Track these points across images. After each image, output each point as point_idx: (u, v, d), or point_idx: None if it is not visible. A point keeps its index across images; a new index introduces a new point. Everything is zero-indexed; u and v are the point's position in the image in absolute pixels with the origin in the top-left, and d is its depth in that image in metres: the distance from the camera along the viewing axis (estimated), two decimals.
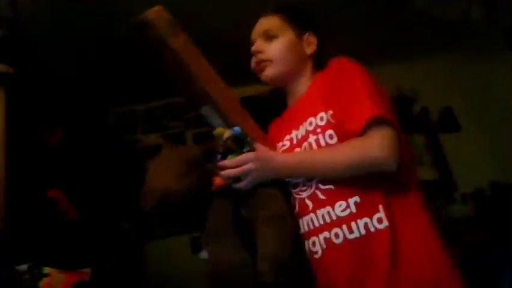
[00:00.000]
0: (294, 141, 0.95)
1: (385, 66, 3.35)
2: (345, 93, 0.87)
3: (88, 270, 1.36)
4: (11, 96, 1.43)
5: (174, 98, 3.30)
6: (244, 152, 0.83)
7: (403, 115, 3.34)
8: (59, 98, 2.11)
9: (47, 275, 1.25)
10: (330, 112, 0.89)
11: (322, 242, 0.84)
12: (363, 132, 0.81)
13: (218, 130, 0.84)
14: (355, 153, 0.81)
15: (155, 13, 0.88)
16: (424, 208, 0.86)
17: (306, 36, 1.03)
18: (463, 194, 3.07)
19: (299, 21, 1.04)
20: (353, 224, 0.81)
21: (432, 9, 2.33)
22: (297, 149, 0.93)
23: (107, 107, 3.21)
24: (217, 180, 0.85)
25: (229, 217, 0.84)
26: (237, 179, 0.82)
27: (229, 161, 0.82)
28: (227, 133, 0.83)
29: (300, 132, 0.94)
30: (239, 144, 0.83)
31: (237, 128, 0.85)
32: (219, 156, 0.84)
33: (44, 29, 2.01)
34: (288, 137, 0.97)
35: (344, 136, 0.84)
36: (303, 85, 1.01)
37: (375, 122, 0.80)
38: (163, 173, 0.85)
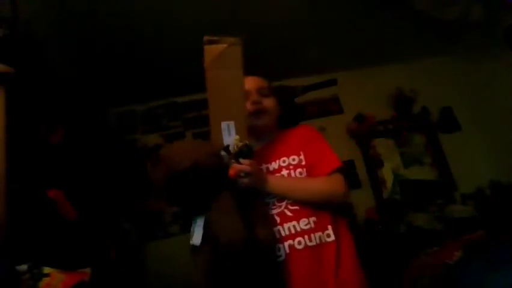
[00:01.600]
0: (269, 170, 1.24)
1: (385, 66, 3.37)
2: (316, 148, 1.26)
3: (88, 270, 1.36)
4: (11, 96, 1.43)
5: (174, 98, 3.31)
6: (251, 158, 1.08)
7: (403, 115, 3.34)
8: (59, 98, 2.11)
9: (47, 275, 1.25)
10: (301, 157, 1.24)
11: (286, 248, 1.12)
12: (329, 174, 1.19)
13: (238, 137, 1.09)
14: (327, 186, 1.19)
15: (225, 42, 1.10)
16: (348, 229, 1.23)
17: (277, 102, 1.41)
18: (462, 194, 3.08)
19: (274, 91, 1.40)
20: (312, 235, 1.13)
21: (432, 9, 2.33)
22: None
23: (107, 107, 3.21)
24: (232, 171, 1.05)
25: (236, 201, 1.04)
26: (245, 175, 1.06)
27: (247, 160, 1.08)
28: (243, 142, 1.09)
29: (273, 166, 1.25)
30: (250, 152, 1.09)
31: (250, 143, 1.11)
32: (234, 155, 1.08)
33: (44, 29, 2.01)
34: (264, 165, 1.25)
35: (311, 175, 1.21)
36: (272, 134, 1.35)
37: (337, 170, 1.20)
38: (195, 149, 1.05)
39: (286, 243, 1.12)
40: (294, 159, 1.24)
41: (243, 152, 1.07)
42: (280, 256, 1.12)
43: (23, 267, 1.23)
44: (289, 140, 1.32)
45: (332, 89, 3.49)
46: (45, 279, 1.24)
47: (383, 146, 3.29)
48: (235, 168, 1.05)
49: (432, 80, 3.35)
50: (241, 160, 1.07)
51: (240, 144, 1.08)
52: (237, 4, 2.28)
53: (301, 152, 1.25)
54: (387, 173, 3.21)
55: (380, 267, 2.61)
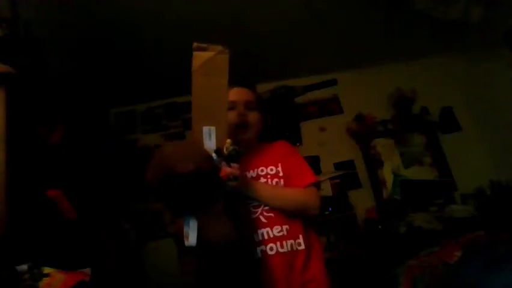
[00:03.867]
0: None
1: (385, 66, 3.37)
2: (294, 162, 1.34)
3: (88, 270, 1.36)
4: (11, 96, 1.43)
5: (174, 98, 3.31)
6: (239, 163, 1.14)
7: (403, 115, 3.34)
8: (59, 98, 2.11)
9: (47, 275, 1.25)
10: (279, 168, 1.30)
11: (258, 253, 1.17)
12: (306, 187, 1.27)
13: (229, 141, 1.13)
14: (304, 197, 1.26)
15: (213, 49, 1.13)
16: (318, 239, 1.32)
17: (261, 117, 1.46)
18: (462, 194, 3.08)
19: (261, 105, 1.46)
20: (284, 242, 1.19)
21: (432, 9, 2.33)
22: None
23: (108, 106, 3.21)
24: (223, 174, 1.08)
25: (224, 204, 1.08)
26: (234, 179, 1.11)
27: (236, 165, 1.12)
28: (233, 146, 1.13)
29: (251, 174, 1.30)
30: (238, 156, 1.13)
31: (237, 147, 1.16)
32: (223, 158, 1.12)
33: (44, 29, 2.01)
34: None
35: (288, 185, 1.28)
36: (251, 147, 1.38)
37: (312, 184, 1.28)
38: (193, 152, 1.06)
39: (258, 249, 1.17)
40: (271, 169, 1.30)
41: (232, 156, 1.12)
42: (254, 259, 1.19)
43: (23, 267, 1.23)
44: (267, 152, 1.37)
45: (332, 89, 3.49)
46: (45, 279, 1.24)
47: (383, 146, 3.29)
48: (226, 171, 1.09)
49: (432, 80, 3.35)
50: (231, 164, 1.11)
51: (231, 148, 1.12)
52: (237, 4, 2.28)
53: (279, 164, 1.31)
54: (387, 173, 3.21)
55: (379, 267, 2.61)
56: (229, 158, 1.11)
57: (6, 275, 1.21)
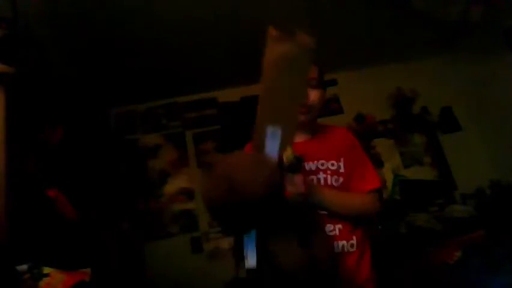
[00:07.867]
0: (305, 169, 1.16)
1: (385, 66, 3.37)
2: (358, 160, 1.25)
3: (88, 270, 1.36)
4: (11, 96, 1.43)
5: (174, 98, 3.31)
6: (300, 172, 1.03)
7: (403, 115, 3.34)
8: (59, 98, 2.11)
9: (47, 275, 1.25)
10: (341, 164, 1.21)
11: None
12: (368, 192, 1.21)
13: (289, 150, 1.00)
14: (366, 205, 1.20)
15: (295, 40, 0.98)
16: (367, 235, 1.25)
17: (324, 94, 1.32)
18: (462, 194, 3.08)
19: (323, 81, 1.30)
20: (335, 243, 1.12)
21: (431, 9, 2.33)
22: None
23: (108, 107, 3.21)
24: (288, 193, 0.99)
25: (290, 220, 1.00)
26: (298, 196, 1.01)
27: (300, 178, 1.02)
28: (293, 154, 1.01)
29: (310, 166, 1.20)
30: (299, 165, 1.03)
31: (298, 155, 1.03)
32: (285, 169, 1.00)
33: (44, 29, 2.01)
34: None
35: (347, 185, 1.20)
36: (313, 128, 1.30)
37: (376, 190, 1.22)
38: (261, 171, 0.91)
39: None
40: (333, 165, 1.20)
41: (294, 166, 1.01)
42: None
43: (23, 267, 1.23)
44: (329, 141, 1.26)
45: (332, 89, 3.49)
46: (45, 279, 1.24)
47: (383, 146, 3.29)
48: (291, 190, 1.00)
49: (432, 80, 3.35)
50: (295, 178, 1.01)
51: (291, 156, 1.00)
52: (237, 4, 2.27)
53: (341, 159, 1.21)
54: (387, 173, 3.21)
55: (379, 267, 2.61)
56: (291, 169, 1.01)
57: (6, 275, 1.21)
